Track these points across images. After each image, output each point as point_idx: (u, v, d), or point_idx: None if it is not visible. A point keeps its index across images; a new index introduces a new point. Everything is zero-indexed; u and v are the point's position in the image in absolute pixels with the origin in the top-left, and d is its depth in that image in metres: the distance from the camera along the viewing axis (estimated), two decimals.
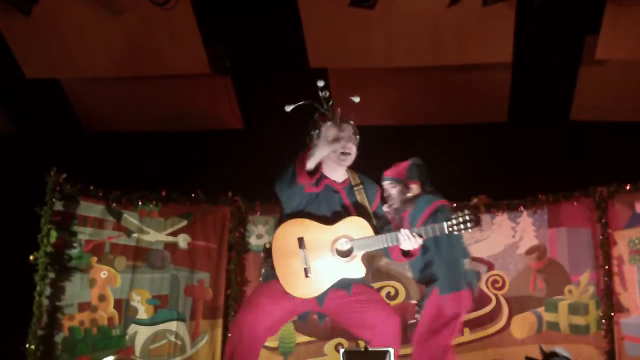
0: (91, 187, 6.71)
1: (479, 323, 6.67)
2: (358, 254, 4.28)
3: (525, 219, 6.80)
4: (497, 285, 6.75)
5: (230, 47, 6.47)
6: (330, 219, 4.31)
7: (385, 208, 4.79)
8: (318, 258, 4.26)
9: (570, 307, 6.61)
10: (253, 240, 6.91)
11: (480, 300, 6.68)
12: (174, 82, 6.66)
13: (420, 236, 4.23)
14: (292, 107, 4.35)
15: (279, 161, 4.39)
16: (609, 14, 5.78)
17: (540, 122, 6.65)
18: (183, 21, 5.91)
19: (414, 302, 6.68)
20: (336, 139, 4.30)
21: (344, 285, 4.31)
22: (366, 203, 4.38)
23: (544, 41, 6.25)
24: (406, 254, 4.33)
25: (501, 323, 6.68)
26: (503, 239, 6.81)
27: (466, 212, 4.23)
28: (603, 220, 6.55)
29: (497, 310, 6.71)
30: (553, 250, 6.74)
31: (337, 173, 4.42)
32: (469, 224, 4.22)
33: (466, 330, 6.63)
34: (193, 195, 6.86)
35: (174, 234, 6.86)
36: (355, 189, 4.41)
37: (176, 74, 6.50)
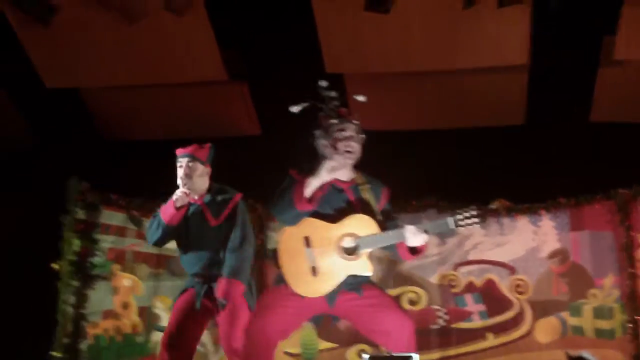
0: (112, 196, 6.78)
1: (502, 328, 6.62)
2: (364, 251, 4.27)
3: (547, 223, 6.75)
4: (520, 290, 6.69)
5: (246, 53, 6.51)
6: (335, 217, 4.31)
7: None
8: (324, 256, 4.26)
9: (595, 311, 6.55)
10: (272, 247, 6.92)
11: (503, 304, 6.65)
12: (191, 89, 6.71)
13: (426, 232, 4.21)
14: (298, 107, 4.39)
15: (297, 167, 4.41)
16: (627, 13, 5.75)
17: (559, 124, 6.60)
18: (199, 28, 5.96)
19: (436, 307, 6.68)
20: (340, 138, 4.33)
21: (354, 287, 4.30)
22: (372, 202, 4.38)
23: (561, 42, 6.21)
24: (413, 251, 4.31)
25: (525, 328, 6.63)
26: (524, 243, 6.75)
27: (472, 207, 4.22)
28: (626, 223, 6.48)
29: (521, 315, 6.66)
30: (575, 253, 6.68)
31: (343, 172, 4.43)
32: (475, 219, 4.19)
33: (490, 335, 6.60)
34: None
35: None
36: (360, 188, 4.41)
37: (193, 81, 6.54)
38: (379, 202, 4.42)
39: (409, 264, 6.74)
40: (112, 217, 6.78)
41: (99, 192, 6.70)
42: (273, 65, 6.44)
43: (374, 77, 6.20)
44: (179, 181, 4.89)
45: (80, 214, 6.65)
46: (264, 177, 6.47)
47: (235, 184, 6.70)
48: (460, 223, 4.20)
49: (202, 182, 4.95)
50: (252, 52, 6.47)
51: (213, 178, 6.74)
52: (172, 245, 6.73)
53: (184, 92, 6.73)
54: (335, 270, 4.27)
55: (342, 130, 4.36)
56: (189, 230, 4.93)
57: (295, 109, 4.40)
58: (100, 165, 6.80)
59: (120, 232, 6.80)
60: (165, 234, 4.89)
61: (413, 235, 4.20)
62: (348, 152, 4.35)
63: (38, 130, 7.17)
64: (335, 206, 4.35)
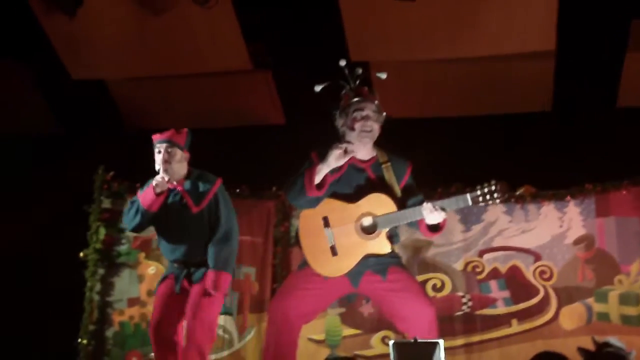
0: (138, 185, 6.80)
1: (527, 314, 6.60)
2: (383, 230, 4.27)
3: (572, 209, 6.71)
4: (545, 276, 6.67)
5: (270, 42, 6.49)
6: (354, 197, 4.31)
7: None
8: (343, 236, 4.28)
9: (621, 297, 6.51)
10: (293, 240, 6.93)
11: (528, 291, 6.64)
12: (216, 79, 6.70)
13: (443, 209, 4.19)
14: (320, 87, 4.40)
15: (319, 150, 4.44)
16: None
17: (585, 110, 6.55)
18: (223, 18, 5.95)
19: (461, 294, 6.67)
20: (357, 118, 4.33)
21: (380, 269, 4.30)
22: (393, 180, 4.37)
23: (588, 27, 6.13)
24: (433, 228, 4.30)
25: (550, 314, 6.61)
26: (550, 229, 6.72)
27: (492, 182, 4.16)
28: None
29: (546, 301, 6.63)
30: (601, 240, 6.64)
31: (363, 151, 4.42)
32: (495, 195, 4.14)
33: (514, 321, 6.59)
34: (238, 190, 6.90)
35: None
36: (383, 166, 4.40)
37: (218, 70, 6.54)
38: (402, 179, 4.40)
39: (433, 251, 6.75)
40: None
41: (124, 181, 6.76)
42: (297, 53, 6.41)
43: (399, 64, 6.17)
44: (157, 167, 4.83)
45: (106, 203, 6.74)
46: (288, 165, 6.52)
47: (259, 173, 6.78)
48: (479, 199, 4.16)
49: (181, 167, 4.90)
50: (276, 40, 6.45)
51: (237, 166, 6.82)
52: None
53: (209, 82, 6.73)
54: (354, 249, 4.29)
55: (360, 109, 4.37)
56: (168, 216, 4.89)
57: (318, 87, 4.42)
58: (126, 154, 6.82)
59: None
60: (144, 220, 4.86)
61: (430, 213, 4.18)
62: (365, 131, 4.35)
63: (64, 120, 7.21)
64: (355, 185, 4.35)
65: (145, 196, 4.81)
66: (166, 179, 4.77)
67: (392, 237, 4.35)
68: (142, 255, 6.83)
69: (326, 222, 4.30)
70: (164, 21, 5.98)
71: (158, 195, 4.78)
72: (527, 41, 6.00)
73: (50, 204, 6.76)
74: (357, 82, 4.44)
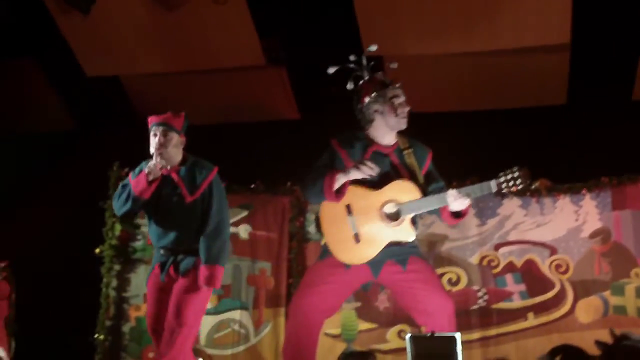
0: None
1: (543, 308, 6.57)
2: (406, 217, 4.27)
3: (588, 202, 6.67)
4: (561, 270, 6.64)
5: (283, 37, 6.49)
6: (377, 183, 4.32)
7: None
8: (367, 223, 4.28)
9: (638, 290, 6.47)
10: (313, 229, 6.91)
11: (544, 284, 6.61)
12: (230, 74, 6.70)
13: (468, 196, 4.19)
14: (334, 69, 4.41)
15: (341, 142, 4.48)
16: None
17: (601, 103, 6.51)
18: (237, 14, 5.96)
19: (476, 288, 6.66)
20: (396, 104, 4.35)
21: (400, 259, 4.30)
22: (416, 166, 4.38)
23: (603, 19, 6.10)
24: (456, 214, 4.30)
25: (566, 308, 6.57)
26: (565, 223, 6.68)
27: (515, 168, 4.17)
28: None
29: (562, 294, 6.60)
30: (618, 233, 6.60)
31: (387, 137, 4.44)
32: (519, 181, 4.15)
33: (530, 315, 6.56)
34: (253, 186, 6.92)
35: (235, 224, 6.92)
36: (404, 152, 4.41)
37: (232, 66, 6.55)
38: (424, 166, 4.42)
39: (448, 245, 6.74)
40: None
41: None
42: (311, 48, 6.41)
43: (413, 58, 6.17)
44: (152, 150, 4.68)
45: None
46: (303, 160, 6.53)
47: (274, 168, 6.78)
48: (503, 186, 4.17)
49: (177, 152, 4.75)
50: (290, 36, 6.45)
51: (251, 161, 6.82)
52: None
53: (223, 77, 6.74)
54: (378, 236, 4.29)
55: (398, 96, 4.40)
56: (160, 203, 4.73)
57: (331, 70, 4.43)
58: (140, 150, 6.84)
59: None
60: (135, 206, 4.71)
61: (455, 200, 4.19)
62: (404, 118, 4.39)
63: (79, 118, 7.24)
64: (379, 171, 4.35)
65: (138, 183, 4.65)
66: (160, 165, 4.61)
67: (415, 223, 4.36)
68: None
69: (349, 210, 4.30)
70: (177, 17, 6.00)
71: (150, 183, 4.62)
72: (542, 34, 5.97)
73: (66, 201, 6.80)
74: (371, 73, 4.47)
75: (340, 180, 4.28)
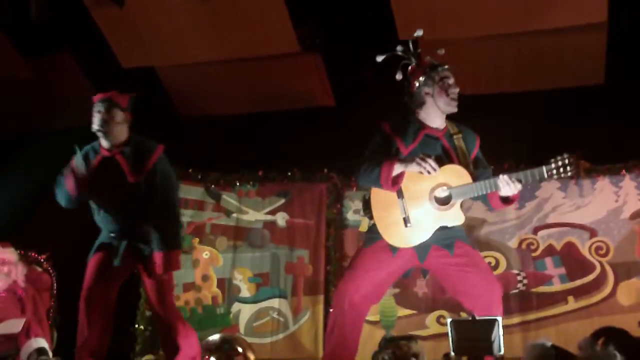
0: (190, 171, 6.88)
1: (583, 291, 6.54)
2: (457, 201, 4.26)
3: (628, 183, 6.62)
4: (601, 252, 6.59)
5: (318, 25, 6.48)
6: None
7: None
8: (417, 207, 4.26)
9: None
10: (350, 216, 6.93)
11: (584, 267, 6.57)
12: (265, 62, 6.70)
13: (520, 181, 4.17)
14: (382, 57, 4.40)
15: (371, 136, 4.45)
16: None
17: (639, 82, 6.43)
18: (271, 2, 5.96)
19: (516, 272, 6.63)
20: (446, 85, 4.34)
21: (447, 244, 4.29)
22: (465, 151, 4.36)
23: None
24: (505, 200, 4.28)
25: (607, 290, 6.53)
26: (605, 204, 6.64)
27: (565, 155, 4.14)
28: None
29: (602, 277, 6.56)
30: None
31: (437, 120, 4.43)
32: (568, 168, 4.12)
33: (570, 298, 6.54)
34: (289, 173, 6.94)
35: (273, 212, 6.96)
36: (454, 137, 4.40)
37: (266, 54, 6.55)
38: (473, 150, 4.41)
39: (487, 229, 6.71)
40: (190, 191, 6.91)
41: (177, 167, 6.79)
42: (346, 35, 6.41)
43: (449, 42, 6.12)
44: (95, 127, 4.60)
45: None
46: (339, 147, 6.53)
47: (311, 155, 6.79)
48: (554, 172, 4.15)
49: (121, 130, 4.68)
50: (324, 23, 6.44)
51: (288, 149, 6.83)
52: (249, 216, 6.91)
53: (258, 66, 6.74)
54: (427, 220, 4.28)
55: (447, 77, 4.40)
56: (103, 185, 4.65)
57: (380, 58, 4.41)
58: (177, 140, 6.88)
59: (199, 205, 6.92)
60: (73, 199, 4.65)
61: (507, 185, 4.16)
62: (454, 99, 4.38)
63: None
64: (431, 155, 4.35)
65: (67, 183, 4.60)
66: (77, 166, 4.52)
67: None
68: (196, 240, 6.92)
69: (399, 194, 4.29)
70: (212, 7, 6.00)
71: (80, 179, 4.56)
72: (578, 14, 5.90)
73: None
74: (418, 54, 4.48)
75: (397, 170, 4.26)
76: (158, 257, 4.58)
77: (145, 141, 4.76)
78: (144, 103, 7.12)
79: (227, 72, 6.83)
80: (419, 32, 4.44)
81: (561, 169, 4.10)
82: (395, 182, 4.25)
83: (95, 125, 4.62)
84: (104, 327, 4.73)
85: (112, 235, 4.72)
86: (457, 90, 4.40)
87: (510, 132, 6.35)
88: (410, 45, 4.48)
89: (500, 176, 4.17)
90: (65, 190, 4.65)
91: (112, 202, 4.66)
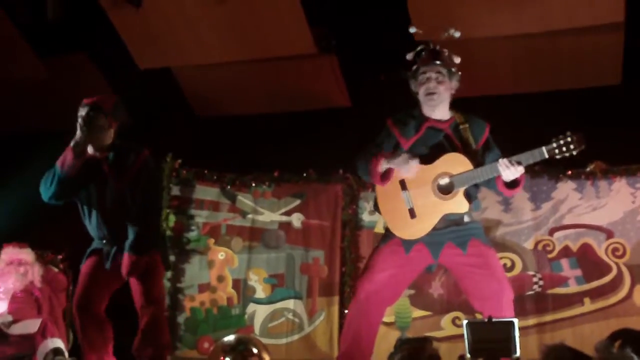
0: (206, 171, 6.90)
1: (599, 293, 6.48)
2: (460, 189, 4.26)
3: None
4: (618, 254, 6.54)
5: (334, 25, 6.48)
6: (431, 157, 4.33)
7: None
8: (421, 197, 4.28)
9: None
10: (365, 217, 6.91)
11: (600, 269, 6.52)
12: (281, 63, 6.71)
13: (520, 164, 4.16)
14: (412, 54, 4.50)
15: (396, 121, 4.53)
16: None
17: None
18: (287, 3, 5.97)
19: (531, 273, 6.60)
20: (422, 82, 4.35)
21: (460, 241, 4.29)
22: (471, 140, 4.36)
23: None
24: (511, 184, 4.27)
25: (623, 292, 6.47)
26: (622, 206, 6.57)
27: (567, 133, 4.12)
28: None
29: (619, 279, 6.50)
30: None
31: (440, 111, 4.42)
32: (572, 146, 4.09)
33: (587, 300, 6.48)
34: (305, 174, 6.94)
35: (288, 213, 6.96)
36: (461, 127, 4.40)
37: (282, 55, 6.55)
38: (481, 138, 4.41)
39: (502, 231, 6.68)
40: (205, 192, 6.92)
41: (193, 168, 6.83)
42: (361, 36, 6.41)
43: (465, 42, 6.12)
44: (77, 134, 4.55)
45: (175, 190, 6.83)
46: (355, 148, 6.52)
47: (326, 156, 6.79)
48: (556, 152, 4.13)
49: (105, 135, 4.65)
50: (340, 23, 6.44)
51: (303, 150, 6.82)
52: (265, 217, 6.91)
53: (274, 66, 6.75)
54: (432, 209, 4.31)
55: (424, 72, 4.43)
56: (89, 190, 4.69)
57: (410, 55, 4.44)
58: (193, 141, 6.91)
59: (214, 206, 6.93)
60: (61, 188, 4.61)
61: (507, 168, 4.17)
62: (429, 94, 4.37)
63: (132, 110, 7.29)
64: (433, 146, 4.36)
65: (64, 158, 4.57)
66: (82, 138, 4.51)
67: (469, 196, 4.34)
68: (212, 241, 6.92)
69: (403, 185, 4.31)
70: (228, 7, 6.01)
71: (77, 156, 4.54)
72: (595, 13, 5.87)
73: None
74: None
75: (383, 166, 4.29)
76: (125, 258, 4.59)
77: (130, 146, 4.76)
78: (160, 104, 7.21)
79: (243, 73, 6.85)
80: (457, 33, 4.44)
81: (564, 148, 4.10)
82: (386, 177, 4.26)
83: (78, 131, 4.59)
84: (104, 330, 4.80)
85: (103, 241, 4.75)
86: (431, 85, 4.40)
87: (525, 133, 6.32)
88: (430, 45, 4.48)
89: (500, 160, 4.17)
90: (57, 173, 4.60)
91: (97, 206, 4.69)
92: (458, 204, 4.28)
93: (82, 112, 4.61)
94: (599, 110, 6.51)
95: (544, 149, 4.14)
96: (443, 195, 4.28)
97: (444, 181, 4.29)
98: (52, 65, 6.77)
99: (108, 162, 4.68)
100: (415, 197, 4.29)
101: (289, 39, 6.25)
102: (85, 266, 4.81)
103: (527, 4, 5.87)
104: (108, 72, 6.97)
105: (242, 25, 6.19)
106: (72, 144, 4.56)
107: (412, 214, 4.29)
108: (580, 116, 6.44)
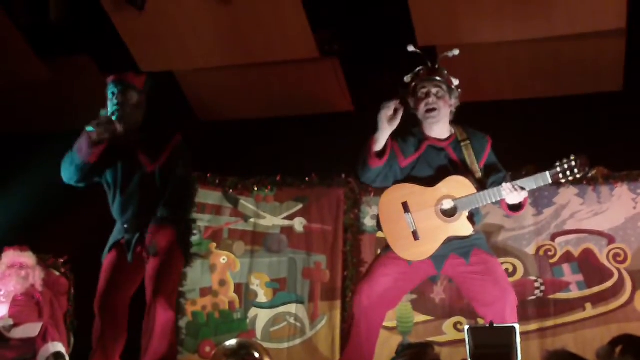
0: (208, 175, 6.90)
1: (601, 298, 6.49)
2: (463, 212, 4.26)
3: None
4: (619, 259, 6.55)
5: (337, 29, 6.49)
6: (433, 179, 4.32)
7: None
8: (424, 220, 4.28)
9: None
10: (368, 222, 6.92)
11: (602, 274, 6.53)
12: (283, 67, 6.71)
13: (523, 189, 4.16)
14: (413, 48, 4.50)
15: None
16: None
17: None
18: (290, 7, 5.96)
19: (533, 278, 6.60)
20: (420, 98, 4.34)
21: (464, 252, 4.30)
22: (473, 159, 4.37)
23: None
24: (515, 207, 4.28)
25: (624, 297, 6.49)
26: (623, 211, 6.59)
27: (571, 157, 4.11)
28: None
29: (620, 284, 6.51)
30: None
31: (440, 129, 4.42)
32: (576, 170, 4.09)
33: (588, 305, 6.49)
34: (307, 178, 6.94)
35: (290, 217, 6.97)
36: (462, 144, 4.39)
37: (285, 59, 6.55)
38: (482, 156, 4.40)
39: (504, 236, 6.69)
40: (208, 196, 6.93)
41: (195, 172, 6.82)
42: (364, 40, 6.42)
43: (467, 48, 6.13)
44: (108, 111, 4.40)
45: None
46: (357, 152, 6.53)
47: (328, 160, 6.79)
48: (560, 176, 4.12)
49: (137, 113, 4.54)
50: (343, 28, 6.45)
51: (306, 154, 6.83)
52: (267, 222, 6.92)
53: (277, 71, 6.75)
54: (436, 233, 4.31)
55: (423, 87, 4.40)
56: (118, 173, 4.54)
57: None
58: (195, 145, 6.89)
59: (216, 210, 6.94)
60: (82, 173, 4.47)
61: (510, 193, 4.17)
62: (428, 110, 4.36)
63: None
64: (435, 166, 4.36)
65: (81, 147, 4.40)
66: (108, 122, 4.33)
67: (473, 216, 4.35)
68: (214, 245, 6.93)
69: (406, 208, 4.32)
70: (231, 11, 6.01)
71: (95, 144, 4.35)
72: (597, 20, 5.87)
73: None
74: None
75: (379, 140, 4.29)
76: (152, 227, 4.43)
77: (161, 127, 4.67)
78: (162, 107, 7.21)
79: (245, 76, 6.85)
80: (455, 52, 4.43)
81: (568, 172, 4.09)
82: (382, 153, 4.23)
83: (110, 108, 4.44)
84: (120, 332, 4.70)
85: (125, 227, 4.58)
86: (430, 100, 4.37)
87: (526, 139, 6.35)
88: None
89: (503, 184, 4.17)
90: (76, 159, 4.45)
91: (127, 190, 4.54)
92: (462, 227, 4.30)
93: (114, 89, 4.48)
94: (600, 116, 6.52)
95: (547, 174, 4.15)
96: (446, 218, 4.29)
97: (447, 204, 4.29)
98: (54, 67, 6.77)
99: (140, 143, 4.54)
100: (418, 219, 4.30)
101: (292, 43, 6.25)
102: (107, 263, 4.67)
103: (529, 11, 5.87)
104: (110, 74, 6.96)
105: (245, 29, 6.19)
106: (91, 126, 4.34)
107: (415, 236, 4.30)
108: (582, 122, 6.48)
